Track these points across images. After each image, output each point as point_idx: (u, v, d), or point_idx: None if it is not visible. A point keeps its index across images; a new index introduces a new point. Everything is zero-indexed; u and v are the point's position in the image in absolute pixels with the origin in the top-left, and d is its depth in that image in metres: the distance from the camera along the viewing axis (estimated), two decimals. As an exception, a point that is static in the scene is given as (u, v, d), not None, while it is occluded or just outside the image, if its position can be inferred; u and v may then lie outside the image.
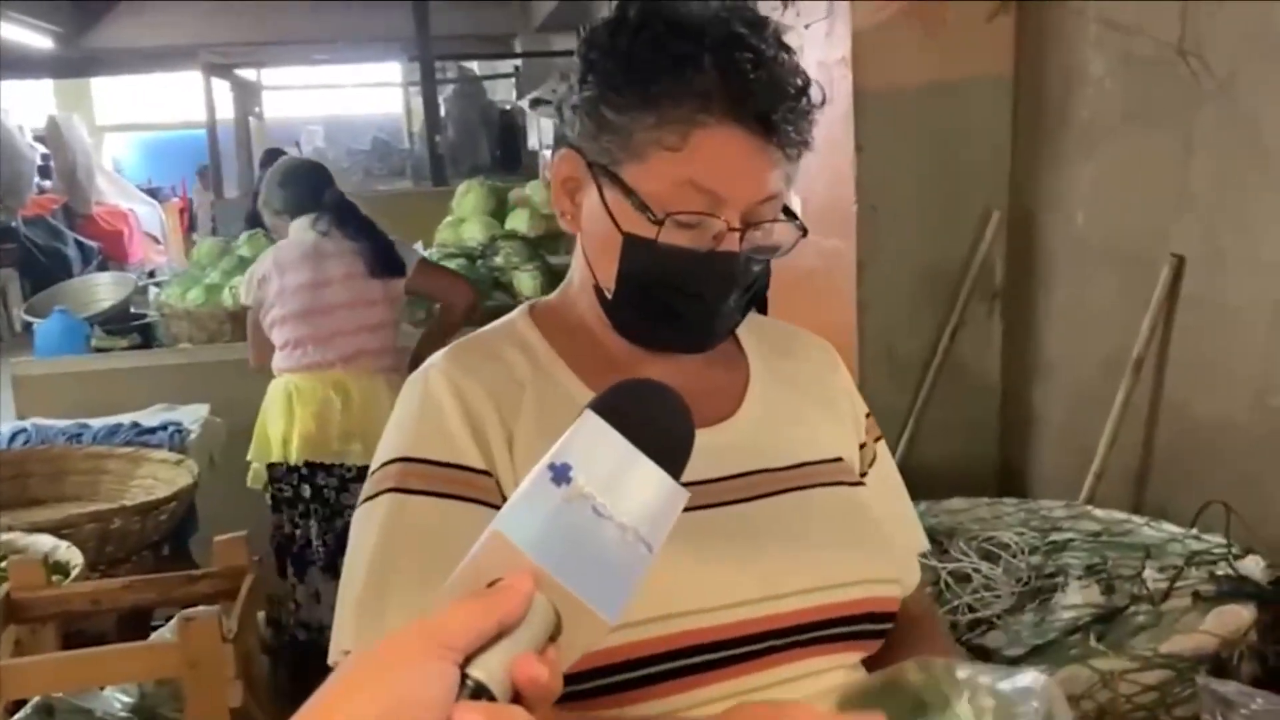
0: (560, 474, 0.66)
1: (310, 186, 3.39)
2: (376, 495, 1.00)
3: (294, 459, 3.23)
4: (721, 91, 0.95)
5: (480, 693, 0.60)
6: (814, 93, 1.00)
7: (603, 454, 0.67)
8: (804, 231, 1.03)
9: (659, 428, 0.70)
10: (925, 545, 1.23)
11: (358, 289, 3.30)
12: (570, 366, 1.06)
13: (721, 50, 0.95)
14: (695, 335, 1.05)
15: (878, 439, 1.20)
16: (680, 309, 1.02)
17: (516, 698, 0.61)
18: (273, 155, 7.53)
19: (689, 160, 0.96)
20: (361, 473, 3.70)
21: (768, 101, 0.95)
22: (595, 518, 0.65)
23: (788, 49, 1.00)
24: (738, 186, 0.97)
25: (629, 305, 1.03)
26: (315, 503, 3.27)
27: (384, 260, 3.31)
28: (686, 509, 0.94)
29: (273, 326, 3.28)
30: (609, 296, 1.03)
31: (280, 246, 3.34)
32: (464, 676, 0.60)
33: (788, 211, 1.03)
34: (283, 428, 3.23)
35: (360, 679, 0.59)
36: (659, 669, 0.93)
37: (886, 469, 1.20)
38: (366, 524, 0.99)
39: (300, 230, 3.33)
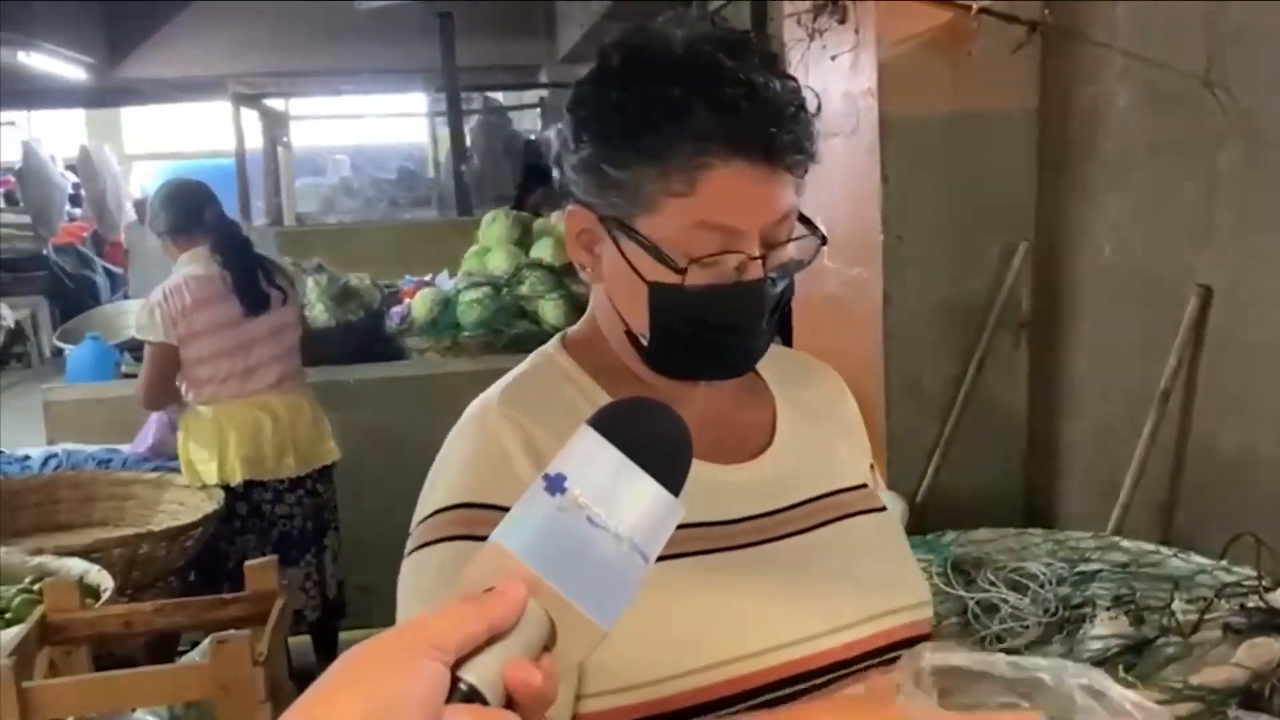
0: (555, 484, 0.66)
1: (187, 208, 3.42)
2: (435, 542, 0.95)
3: (237, 480, 3.34)
4: (719, 131, 0.93)
5: (472, 696, 0.59)
6: (809, 102, 0.98)
7: (598, 467, 0.67)
8: (824, 241, 1.02)
9: (655, 443, 0.70)
10: None
11: (274, 319, 3.42)
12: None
13: (711, 88, 0.93)
14: (735, 363, 1.05)
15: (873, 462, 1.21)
16: (717, 342, 1.01)
17: (510, 703, 0.61)
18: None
19: (700, 203, 0.95)
20: (294, 483, 3.50)
21: (766, 131, 0.94)
22: (590, 527, 0.65)
23: (774, 65, 0.98)
24: (751, 217, 0.96)
25: (667, 350, 1.02)
26: (253, 518, 3.41)
27: (254, 294, 3.38)
28: (745, 545, 0.92)
29: (198, 362, 3.33)
30: (645, 343, 1.02)
31: (190, 280, 3.33)
32: (455, 680, 0.59)
33: (804, 220, 1.02)
34: (217, 452, 3.33)
35: (348, 677, 0.58)
36: (737, 708, 0.92)
37: (882, 490, 1.21)
38: (422, 571, 0.95)
39: (202, 262, 3.36)
